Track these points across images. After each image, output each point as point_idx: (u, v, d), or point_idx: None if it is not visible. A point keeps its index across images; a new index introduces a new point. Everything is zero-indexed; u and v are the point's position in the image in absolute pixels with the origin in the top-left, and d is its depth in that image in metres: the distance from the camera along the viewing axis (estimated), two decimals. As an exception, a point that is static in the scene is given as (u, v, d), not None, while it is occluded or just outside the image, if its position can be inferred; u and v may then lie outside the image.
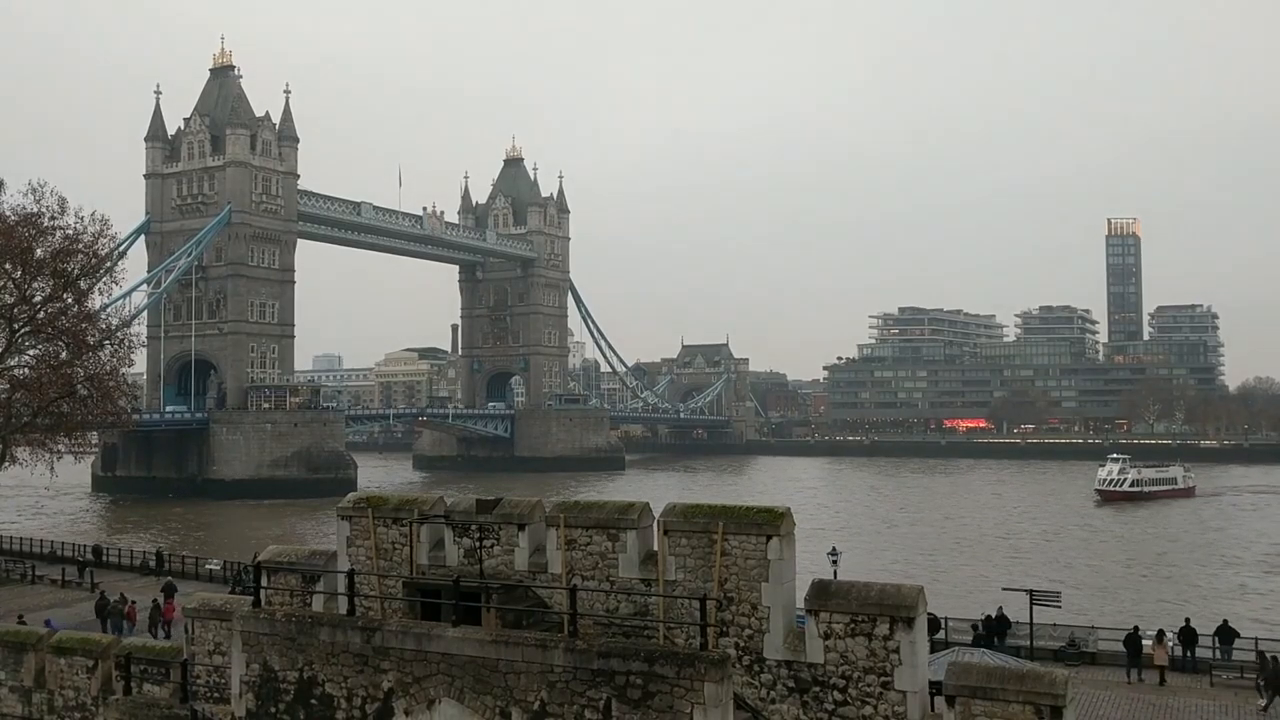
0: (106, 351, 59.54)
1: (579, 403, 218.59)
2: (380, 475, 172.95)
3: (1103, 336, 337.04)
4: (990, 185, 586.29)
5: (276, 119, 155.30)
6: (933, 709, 14.36)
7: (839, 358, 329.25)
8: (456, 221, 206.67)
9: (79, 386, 57.10)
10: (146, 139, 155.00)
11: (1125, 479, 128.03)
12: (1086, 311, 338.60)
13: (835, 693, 14.52)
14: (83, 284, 58.47)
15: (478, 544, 17.06)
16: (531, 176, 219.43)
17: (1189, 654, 36.09)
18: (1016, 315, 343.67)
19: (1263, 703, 30.95)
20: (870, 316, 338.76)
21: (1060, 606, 40.57)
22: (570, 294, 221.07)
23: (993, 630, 38.00)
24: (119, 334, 62.55)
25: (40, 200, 56.75)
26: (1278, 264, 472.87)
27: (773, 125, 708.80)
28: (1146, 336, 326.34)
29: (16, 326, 56.02)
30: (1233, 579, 70.28)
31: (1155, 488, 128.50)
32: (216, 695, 20.22)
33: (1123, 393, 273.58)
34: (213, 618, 21.07)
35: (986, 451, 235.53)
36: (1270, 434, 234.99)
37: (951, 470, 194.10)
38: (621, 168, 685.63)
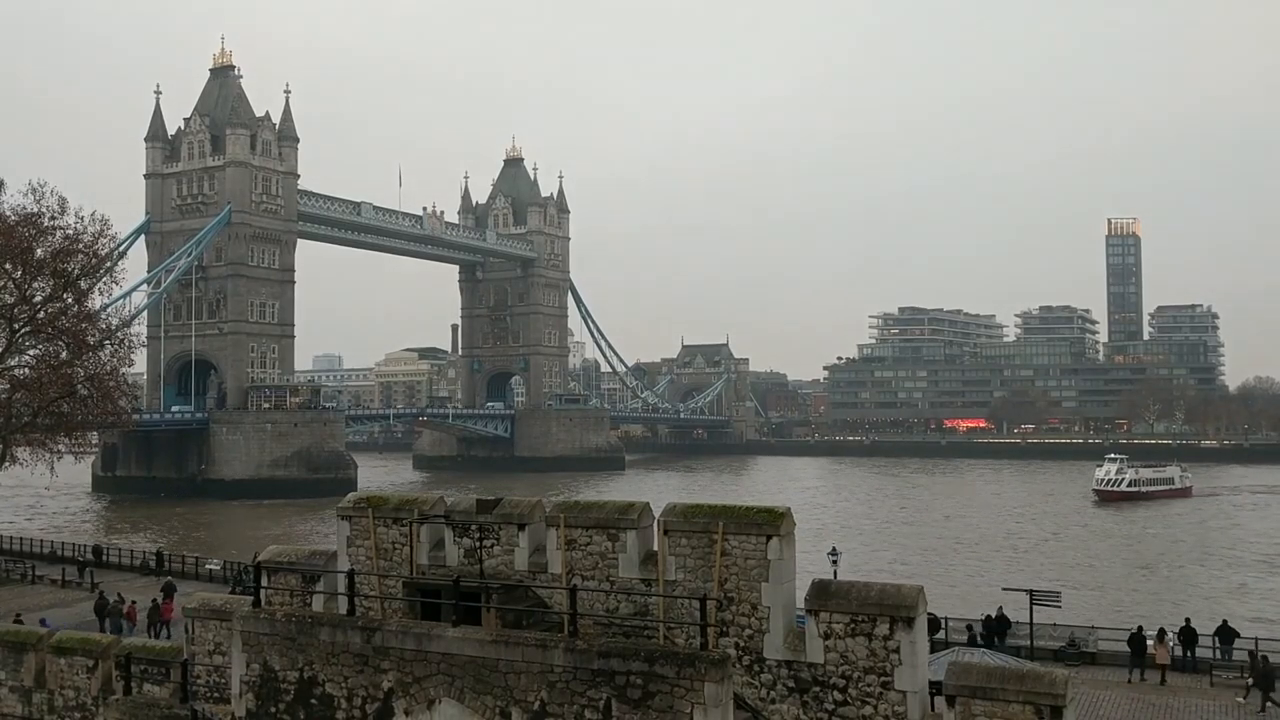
0: (107, 351, 59.56)
1: (579, 403, 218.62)
2: (380, 475, 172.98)
3: (1103, 336, 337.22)
4: (990, 185, 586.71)
5: (276, 119, 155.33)
6: (933, 709, 14.36)
7: (839, 358, 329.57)
8: (456, 221, 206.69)
9: (79, 386, 57.11)
10: (146, 139, 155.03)
11: (1123, 479, 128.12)
12: (1086, 311, 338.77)
13: (835, 693, 14.52)
14: (83, 284, 58.48)
15: (478, 544, 17.06)
16: (531, 176, 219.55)
17: (1189, 654, 36.13)
18: (1016, 315, 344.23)
19: (1241, 699, 31.05)
20: (870, 316, 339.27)
21: (1060, 606, 40.59)
22: (570, 294, 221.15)
23: (993, 630, 38.02)
24: (119, 334, 62.57)
25: (40, 200, 56.84)
26: (1278, 264, 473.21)
27: (773, 125, 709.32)
28: (1146, 336, 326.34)
29: (17, 326, 56.03)
30: (1232, 579, 70.30)
31: (1152, 488, 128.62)
32: (216, 695, 20.22)
33: (1123, 393, 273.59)
34: (213, 618, 21.08)
35: (986, 451, 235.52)
36: (1270, 434, 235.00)
37: (951, 470, 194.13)
38: (621, 168, 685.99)
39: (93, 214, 58.48)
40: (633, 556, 16.11)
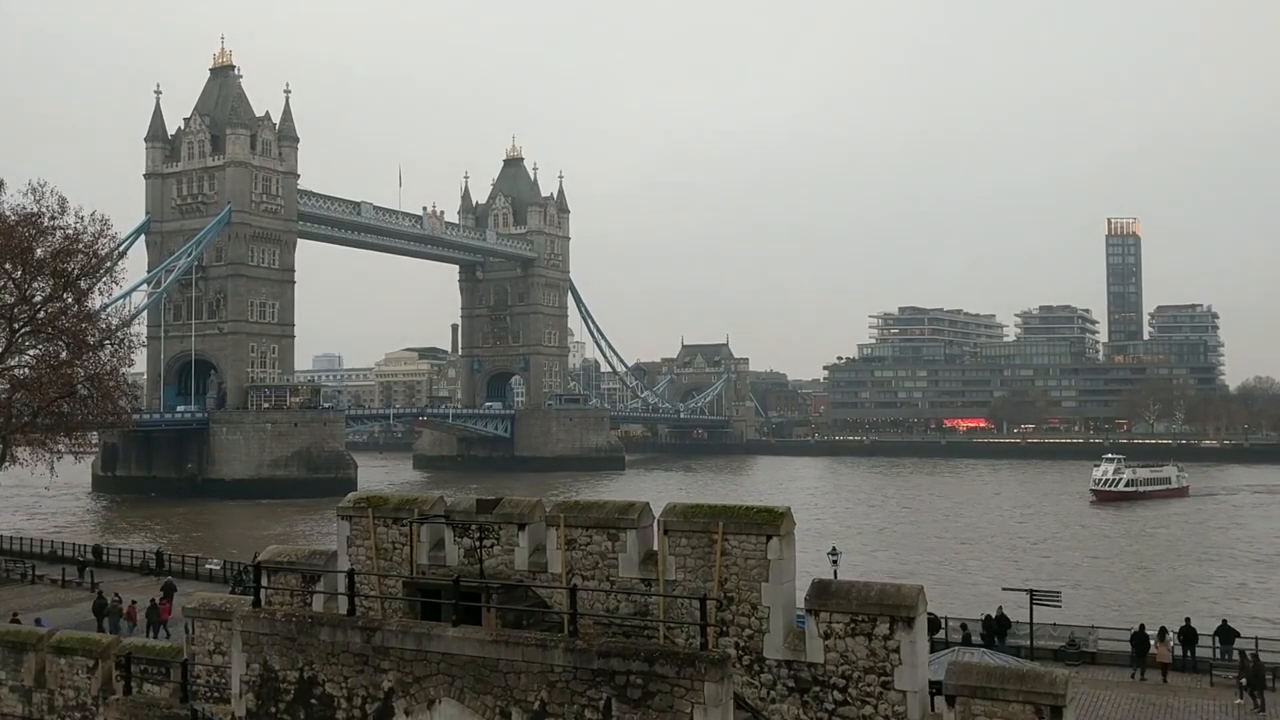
0: (106, 351, 59.62)
1: (579, 403, 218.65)
2: (380, 475, 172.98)
3: (1103, 336, 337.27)
4: (990, 185, 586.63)
5: (276, 119, 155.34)
6: (933, 709, 14.37)
7: (839, 358, 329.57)
8: (456, 221, 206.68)
9: (79, 386, 57.15)
10: (146, 139, 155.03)
11: (1120, 479, 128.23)
12: (1086, 311, 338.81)
13: (835, 692, 14.52)
14: (83, 284, 58.51)
15: (478, 544, 17.07)
16: (531, 176, 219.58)
17: (1189, 654, 36.18)
18: (1016, 315, 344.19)
19: (1240, 700, 31.11)
20: (870, 316, 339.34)
21: (1060, 606, 40.64)
22: (570, 294, 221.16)
23: (993, 630, 38.05)
24: (119, 334, 62.63)
25: (40, 200, 56.90)
26: (1278, 264, 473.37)
27: (773, 125, 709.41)
28: (1146, 336, 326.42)
29: (17, 326, 56.07)
30: (1230, 579, 70.31)
31: (1149, 488, 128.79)
32: (217, 695, 20.22)
33: (1123, 393, 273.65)
34: (213, 618, 21.08)
35: (986, 451, 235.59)
36: (1270, 434, 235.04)
37: (951, 470, 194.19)
38: (622, 167, 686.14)
39: (93, 214, 58.61)
40: (633, 556, 16.12)
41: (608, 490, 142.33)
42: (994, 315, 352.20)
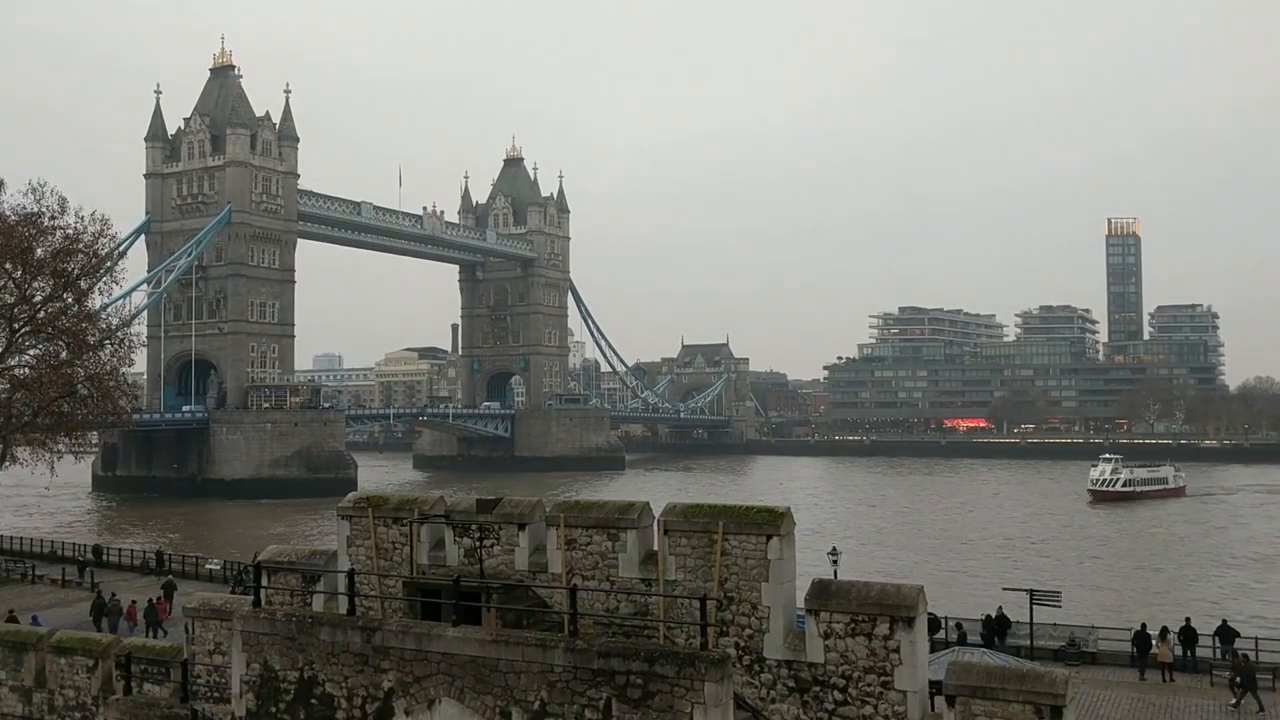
0: (107, 351, 59.57)
1: (579, 403, 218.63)
2: (380, 475, 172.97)
3: (1103, 336, 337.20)
4: (990, 185, 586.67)
5: (277, 119, 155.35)
6: (933, 709, 14.37)
7: (839, 357, 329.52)
8: (457, 221, 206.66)
9: (79, 386, 57.13)
10: (147, 139, 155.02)
11: (1117, 479, 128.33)
12: (1086, 311, 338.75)
13: (835, 692, 14.52)
14: (83, 284, 58.47)
15: (478, 544, 17.07)
16: (531, 176, 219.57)
17: (1189, 653, 36.19)
18: (1016, 315, 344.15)
19: (1234, 701, 31.13)
20: (870, 316, 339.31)
21: (1060, 606, 40.63)
22: (570, 294, 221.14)
23: (993, 630, 38.05)
24: (119, 334, 62.56)
25: (40, 200, 56.84)
26: (1278, 264, 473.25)
27: (773, 124, 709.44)
28: (1146, 336, 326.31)
29: (17, 326, 56.05)
30: (1229, 579, 70.35)
31: (1147, 488, 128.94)
32: (217, 695, 20.22)
33: (1123, 393, 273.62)
34: (213, 617, 21.07)
35: (986, 451, 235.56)
36: (1270, 434, 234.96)
37: (951, 470, 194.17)
38: (621, 167, 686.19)
39: (93, 214, 58.55)
40: (633, 556, 16.11)
41: (608, 490, 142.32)
42: (994, 315, 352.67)
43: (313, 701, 16.36)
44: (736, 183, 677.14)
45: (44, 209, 56.46)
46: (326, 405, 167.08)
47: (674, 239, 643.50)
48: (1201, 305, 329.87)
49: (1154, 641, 35.71)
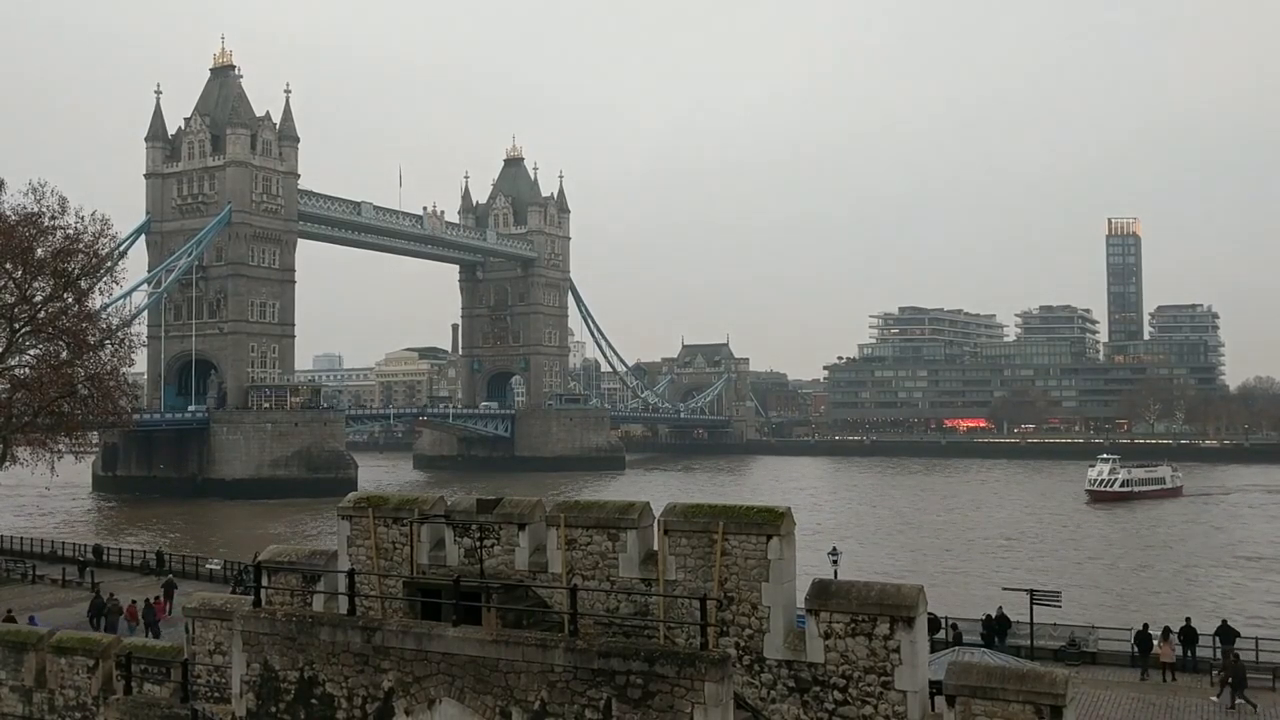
0: (107, 351, 59.62)
1: (579, 402, 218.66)
2: (380, 475, 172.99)
3: (1103, 336, 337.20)
4: (990, 185, 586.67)
5: (277, 119, 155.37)
6: (933, 709, 14.37)
7: (839, 357, 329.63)
8: (457, 221, 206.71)
9: (79, 386, 57.15)
10: (147, 139, 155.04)
11: (1115, 479, 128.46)
12: (1087, 311, 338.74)
13: (835, 692, 14.52)
14: (83, 284, 58.52)
15: (478, 544, 17.06)
16: (532, 176, 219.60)
17: (1189, 653, 36.20)
18: (1016, 315, 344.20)
19: (1214, 698, 31.23)
20: (870, 316, 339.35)
21: (1060, 606, 40.64)
22: (570, 294, 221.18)
23: (993, 630, 38.04)
24: (119, 334, 62.61)
25: (41, 200, 56.90)
26: (1278, 264, 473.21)
27: (772, 124, 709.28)
28: (1147, 336, 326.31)
29: (17, 326, 56.07)
30: (1224, 578, 70.42)
31: (1144, 488, 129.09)
32: (217, 695, 20.22)
33: (1123, 393, 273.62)
34: (213, 617, 21.06)
35: (986, 451, 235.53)
36: (1270, 434, 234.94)
37: (951, 470, 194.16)
38: (621, 167, 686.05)
39: (93, 214, 58.61)
40: (633, 556, 16.11)
41: (608, 490, 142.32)
42: (994, 315, 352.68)
43: (313, 701, 16.36)
44: (737, 183, 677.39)
45: (44, 209, 56.58)
46: (326, 405, 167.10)
47: (674, 238, 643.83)
48: (1201, 305, 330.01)
49: (1156, 641, 35.75)
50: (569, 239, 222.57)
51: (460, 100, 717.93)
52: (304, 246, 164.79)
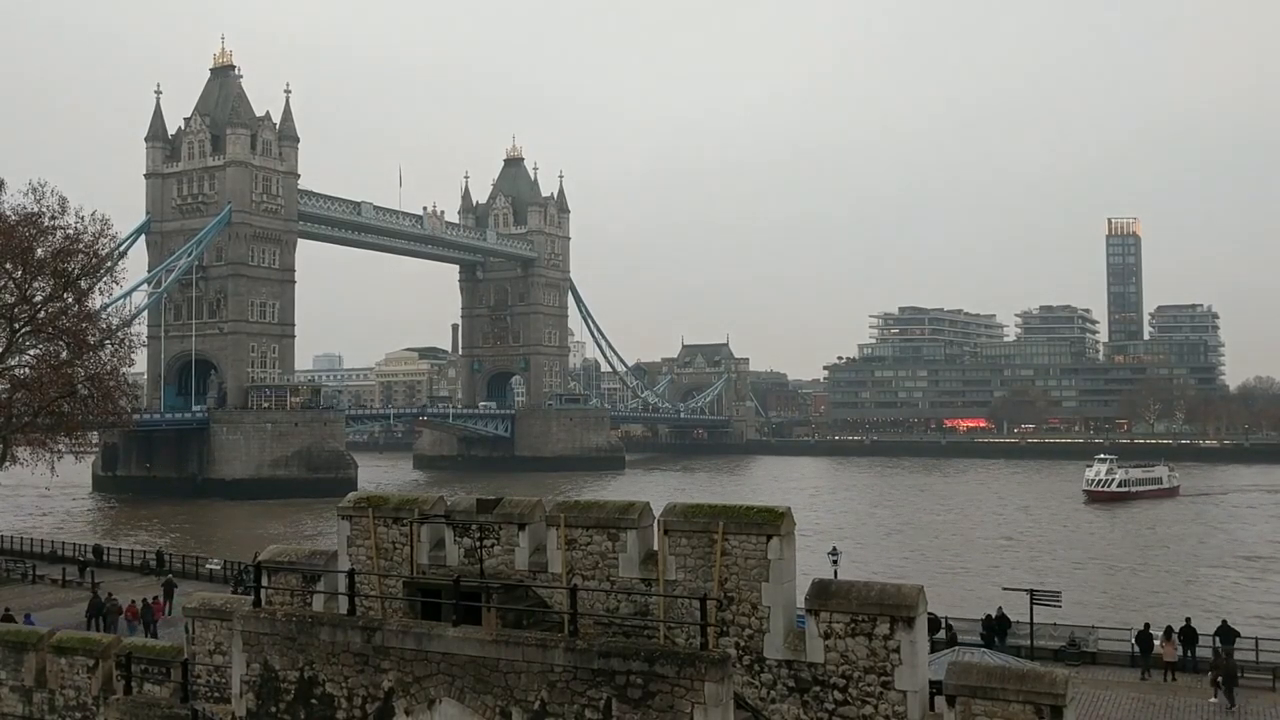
0: (107, 351, 59.60)
1: (579, 402, 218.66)
2: (380, 475, 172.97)
3: (1103, 336, 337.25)
4: (990, 184, 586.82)
5: (277, 119, 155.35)
6: (933, 708, 14.37)
7: (839, 357, 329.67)
8: (457, 221, 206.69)
9: (79, 386, 57.14)
10: (147, 139, 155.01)
11: (1113, 479, 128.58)
12: (1087, 311, 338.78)
13: (835, 692, 14.52)
14: (83, 284, 58.50)
15: (478, 544, 17.06)
16: (531, 176, 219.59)
17: (1189, 653, 36.19)
18: (1016, 315, 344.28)
19: (1213, 699, 31.25)
20: (870, 316, 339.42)
21: (1060, 606, 40.64)
22: (570, 294, 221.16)
23: (993, 630, 38.03)
24: (119, 334, 62.59)
25: (40, 200, 56.88)
26: (1278, 264, 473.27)
27: (772, 124, 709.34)
28: (1147, 336, 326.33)
29: (17, 326, 56.06)
30: (1221, 578, 70.44)
31: (1141, 488, 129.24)
32: (217, 695, 20.23)
33: (1123, 392, 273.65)
34: (213, 617, 21.07)
35: (986, 451, 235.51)
36: (1271, 434, 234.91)
37: (951, 470, 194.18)
38: (621, 167, 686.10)
39: (93, 214, 58.58)
40: (633, 556, 16.11)
41: (608, 490, 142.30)
42: (994, 315, 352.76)
43: (313, 701, 16.37)
44: (737, 183, 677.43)
45: (44, 209, 56.56)
46: (326, 405, 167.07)
47: (675, 238, 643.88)
48: (1201, 305, 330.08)
49: (1158, 640, 35.77)
50: (569, 239, 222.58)
51: (460, 100, 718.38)
52: (304, 246, 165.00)
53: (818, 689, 14.65)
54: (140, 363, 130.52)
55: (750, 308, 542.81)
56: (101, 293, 62.67)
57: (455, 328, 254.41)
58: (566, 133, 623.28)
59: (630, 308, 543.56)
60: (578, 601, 15.03)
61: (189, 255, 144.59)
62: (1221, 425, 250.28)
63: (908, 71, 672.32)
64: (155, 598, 45.88)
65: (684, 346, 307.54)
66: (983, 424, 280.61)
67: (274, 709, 16.67)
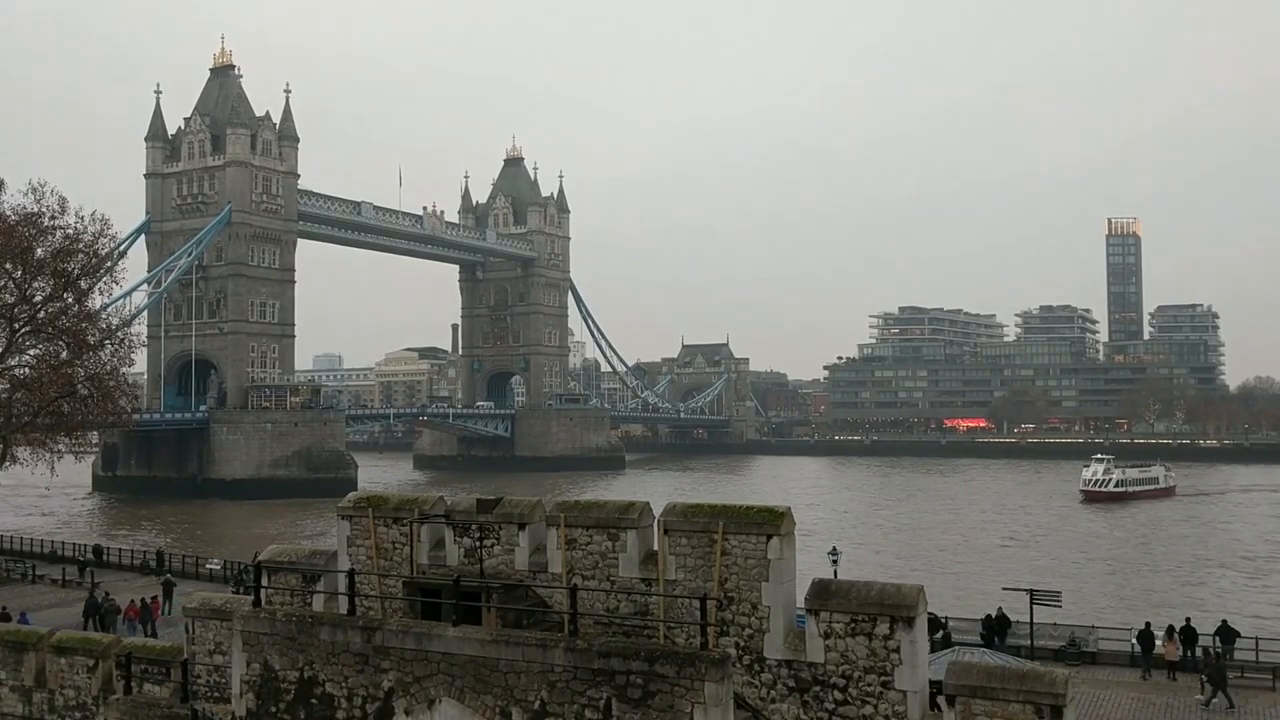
0: (107, 351, 59.58)
1: (579, 402, 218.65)
2: (380, 475, 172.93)
3: (1103, 336, 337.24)
4: (990, 184, 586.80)
5: (277, 119, 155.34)
6: (933, 708, 14.36)
7: (839, 357, 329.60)
8: (457, 221, 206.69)
9: (79, 386, 57.13)
10: (147, 138, 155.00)
11: (1109, 479, 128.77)
12: (1087, 311, 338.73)
13: (835, 692, 14.52)
14: (83, 284, 58.47)
15: (478, 543, 17.06)
16: (531, 176, 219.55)
17: (1190, 653, 36.20)
18: (1016, 315, 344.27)
19: (1201, 698, 31.23)
20: (870, 316, 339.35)
21: (1060, 606, 40.60)
22: (570, 293, 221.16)
23: (993, 630, 38.01)
24: (119, 334, 62.56)
25: (40, 200, 56.87)
26: (1278, 264, 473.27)
27: (772, 124, 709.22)
28: (1147, 336, 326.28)
29: (17, 326, 56.05)
30: (1218, 578, 70.49)
31: (1138, 488, 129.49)
32: (217, 695, 20.22)
33: (1123, 392, 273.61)
34: (213, 617, 21.06)
35: (986, 451, 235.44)
36: (1270, 433, 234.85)
37: (951, 470, 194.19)
38: (621, 167, 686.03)
39: (93, 214, 58.56)
40: (633, 556, 16.11)
41: (608, 490, 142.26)
42: (994, 315, 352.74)
43: (313, 701, 16.36)
44: (737, 183, 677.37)
45: (44, 209, 56.54)
46: (326, 405, 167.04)
47: (675, 238, 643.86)
48: (1201, 305, 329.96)
49: (1160, 640, 35.76)
50: (569, 239, 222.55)
51: (460, 100, 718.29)
52: (304, 246, 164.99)
53: (818, 689, 14.65)
54: (140, 363, 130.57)
55: (750, 308, 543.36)
56: (101, 293, 62.70)
57: (455, 328, 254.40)
58: (566, 133, 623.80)
59: (630, 308, 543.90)
60: (578, 601, 15.03)
61: (189, 255, 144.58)
62: (1221, 425, 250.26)
63: (909, 73, 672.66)
64: (154, 597, 45.86)
65: (684, 346, 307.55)
66: (983, 424, 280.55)
67: (274, 709, 16.66)
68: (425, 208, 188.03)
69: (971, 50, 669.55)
